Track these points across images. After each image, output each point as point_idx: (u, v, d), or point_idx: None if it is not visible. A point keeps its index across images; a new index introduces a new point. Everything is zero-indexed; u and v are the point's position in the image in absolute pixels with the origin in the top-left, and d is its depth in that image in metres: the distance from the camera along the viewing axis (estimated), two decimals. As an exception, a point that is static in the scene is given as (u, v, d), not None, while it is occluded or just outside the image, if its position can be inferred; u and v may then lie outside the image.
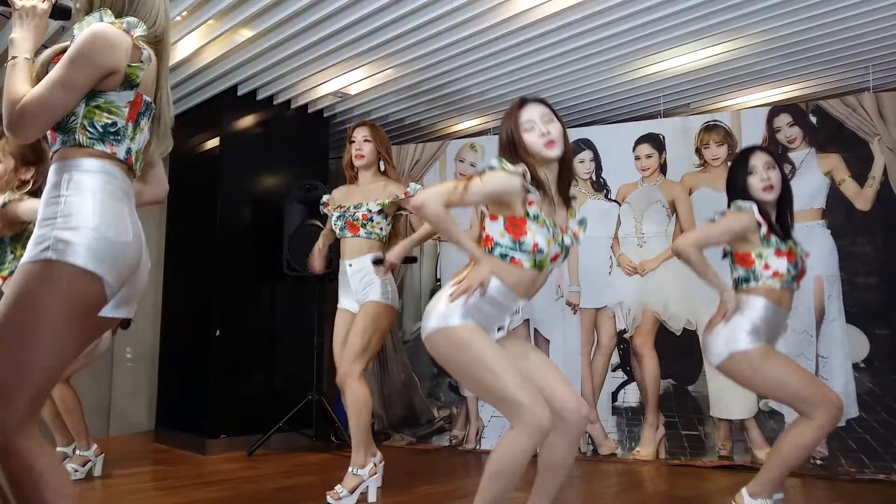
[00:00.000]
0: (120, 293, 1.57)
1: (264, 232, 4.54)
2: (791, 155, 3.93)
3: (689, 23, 3.48)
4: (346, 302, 3.28)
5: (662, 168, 4.28)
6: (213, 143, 4.56)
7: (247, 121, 4.60)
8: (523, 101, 2.23)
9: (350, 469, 3.10)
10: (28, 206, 2.62)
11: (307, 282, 4.51)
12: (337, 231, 3.30)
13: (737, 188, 2.68)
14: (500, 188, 2.10)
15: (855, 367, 3.71)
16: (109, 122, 1.59)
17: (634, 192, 4.33)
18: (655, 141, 4.32)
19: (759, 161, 2.65)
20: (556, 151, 2.16)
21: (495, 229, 2.14)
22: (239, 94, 4.46)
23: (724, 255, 2.78)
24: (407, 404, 4.73)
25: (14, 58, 1.58)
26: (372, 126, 3.36)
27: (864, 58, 3.83)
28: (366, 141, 3.30)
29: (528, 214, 2.10)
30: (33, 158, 2.68)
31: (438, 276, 4.78)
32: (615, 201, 4.37)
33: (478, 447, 4.43)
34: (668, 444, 4.09)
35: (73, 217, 1.50)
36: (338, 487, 3.04)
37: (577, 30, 3.56)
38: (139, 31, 1.63)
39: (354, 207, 3.25)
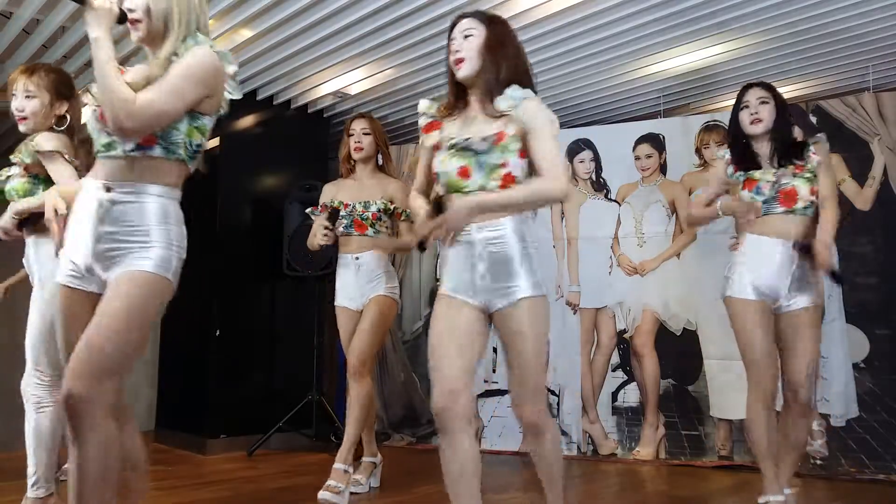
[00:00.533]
0: None
1: (264, 232, 4.54)
2: (791, 155, 3.93)
3: (689, 23, 3.48)
4: (346, 300, 3.24)
5: (662, 168, 4.28)
6: (213, 142, 4.56)
7: (247, 121, 4.60)
8: (458, 18, 2.05)
9: (341, 466, 3.03)
10: (67, 187, 2.47)
11: (307, 282, 4.51)
12: (340, 228, 3.23)
13: (730, 123, 2.81)
14: (422, 142, 2.09)
15: (855, 367, 3.71)
16: (199, 143, 1.80)
17: (634, 192, 4.33)
18: (655, 141, 4.31)
19: (752, 96, 2.74)
20: (463, 71, 1.99)
21: None
22: (239, 94, 4.45)
23: None
24: (407, 404, 4.73)
25: (102, 57, 1.65)
26: (370, 118, 3.32)
27: (864, 58, 3.83)
28: (365, 133, 3.26)
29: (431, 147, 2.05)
30: (67, 92, 2.65)
31: (438, 276, 4.78)
32: (615, 201, 4.37)
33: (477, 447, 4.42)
34: (668, 444, 4.09)
35: (174, 244, 1.77)
36: (333, 482, 2.99)
37: (577, 30, 3.56)
38: (231, 67, 1.82)
39: (363, 206, 3.20)
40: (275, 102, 4.62)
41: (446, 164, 1.98)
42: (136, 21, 1.74)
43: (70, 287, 1.76)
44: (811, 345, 2.65)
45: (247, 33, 3.69)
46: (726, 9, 3.34)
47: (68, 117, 2.61)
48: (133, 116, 1.62)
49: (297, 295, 4.65)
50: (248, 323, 4.49)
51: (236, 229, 4.49)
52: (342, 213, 3.21)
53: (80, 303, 1.75)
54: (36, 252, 2.53)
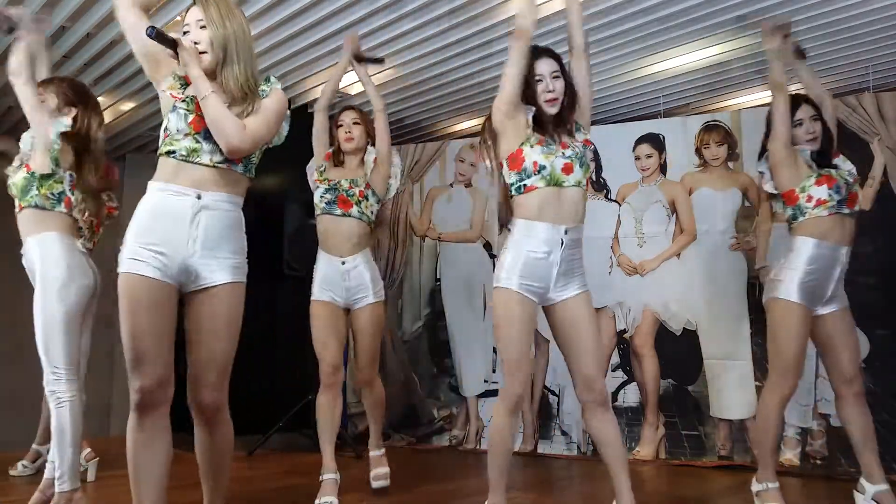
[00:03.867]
0: None
1: (264, 232, 4.51)
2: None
3: (689, 23, 3.48)
4: (329, 294, 3.11)
5: (662, 168, 4.28)
6: (213, 142, 4.55)
7: (247, 121, 4.59)
8: (545, 55, 2.38)
9: (378, 452, 3.28)
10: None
11: (307, 282, 4.50)
12: (322, 206, 3.08)
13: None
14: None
15: (855, 367, 3.71)
16: (256, 161, 2.12)
17: (634, 192, 4.33)
18: (655, 141, 4.31)
19: (805, 114, 2.79)
20: (554, 109, 2.31)
21: (506, 176, 2.32)
22: (239, 94, 4.45)
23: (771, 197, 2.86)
24: (407, 404, 4.73)
25: (207, 88, 1.86)
26: (360, 111, 3.22)
27: (864, 58, 3.83)
28: (355, 124, 3.15)
29: (522, 143, 2.27)
30: (75, 100, 2.65)
31: (438, 276, 4.78)
32: (615, 201, 4.37)
33: (478, 447, 4.42)
34: (668, 444, 4.09)
35: (245, 250, 2.19)
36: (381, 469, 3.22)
37: (577, 30, 3.56)
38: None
39: (349, 182, 3.06)
40: (275, 102, 4.61)
41: (552, 160, 2.24)
42: (203, 53, 1.91)
43: (151, 278, 1.86)
44: (855, 337, 2.75)
45: (247, 33, 3.69)
46: (726, 9, 3.34)
47: (76, 121, 2.62)
48: (245, 140, 1.90)
49: (296, 295, 4.63)
50: (248, 323, 4.46)
51: (236, 229, 4.49)
52: (324, 187, 3.09)
53: (159, 292, 1.89)
54: (41, 252, 2.53)
